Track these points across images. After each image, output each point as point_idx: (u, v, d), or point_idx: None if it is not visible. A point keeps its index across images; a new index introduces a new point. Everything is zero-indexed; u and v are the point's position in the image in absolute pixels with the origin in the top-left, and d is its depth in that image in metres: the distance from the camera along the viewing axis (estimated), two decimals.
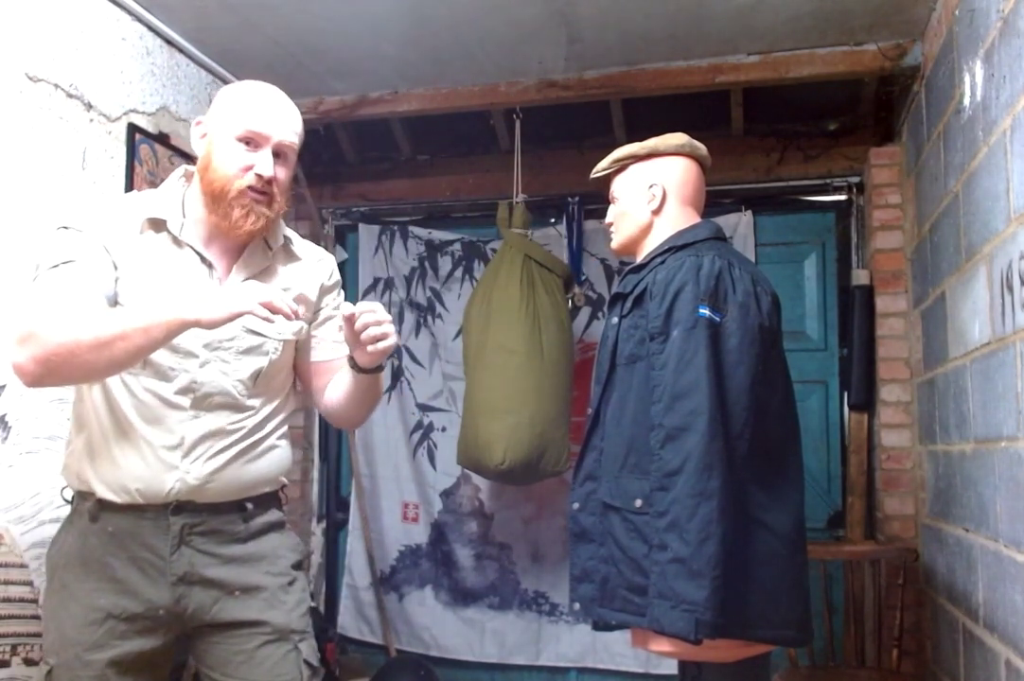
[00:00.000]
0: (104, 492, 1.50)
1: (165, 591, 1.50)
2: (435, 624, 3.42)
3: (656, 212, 1.89)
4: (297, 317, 1.39)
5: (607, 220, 2.00)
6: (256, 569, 1.57)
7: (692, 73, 2.85)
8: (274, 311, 1.36)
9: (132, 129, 2.46)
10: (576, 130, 3.34)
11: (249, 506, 1.58)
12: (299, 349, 1.68)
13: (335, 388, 1.66)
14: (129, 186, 2.43)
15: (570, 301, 3.14)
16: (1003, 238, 1.77)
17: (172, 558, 1.50)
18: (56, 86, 2.20)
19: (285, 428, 1.68)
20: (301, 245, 1.70)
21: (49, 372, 1.39)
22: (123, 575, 1.50)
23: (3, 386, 1.99)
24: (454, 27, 2.62)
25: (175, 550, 1.51)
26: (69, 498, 1.60)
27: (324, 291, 1.70)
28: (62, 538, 1.58)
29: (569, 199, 3.33)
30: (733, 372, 1.66)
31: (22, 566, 2.02)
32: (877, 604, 2.66)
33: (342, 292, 1.77)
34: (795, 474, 1.76)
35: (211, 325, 1.38)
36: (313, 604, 1.68)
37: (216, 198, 1.51)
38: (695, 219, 1.91)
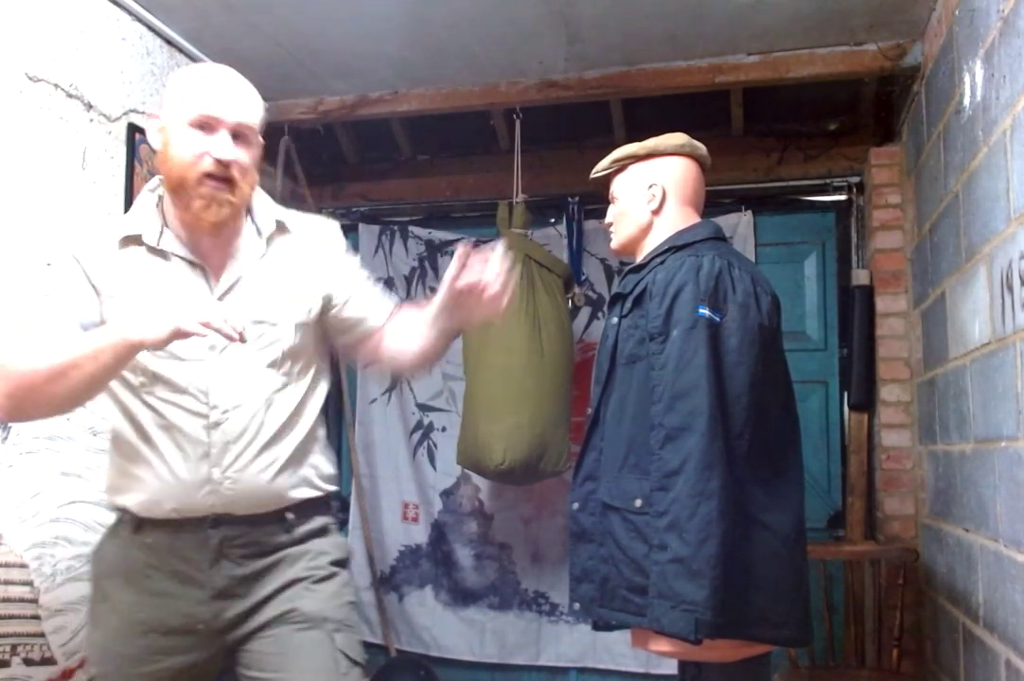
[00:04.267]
0: (141, 511, 1.47)
1: (204, 605, 1.47)
2: (435, 624, 3.41)
3: (656, 212, 1.89)
4: (242, 340, 1.31)
5: (607, 220, 2.00)
6: (295, 566, 1.52)
7: (692, 73, 2.85)
8: (214, 330, 1.29)
9: (132, 129, 2.46)
10: (576, 130, 3.34)
11: (290, 516, 1.52)
12: (329, 331, 1.61)
13: (403, 342, 1.57)
14: (129, 186, 2.43)
15: (570, 301, 3.15)
16: (1003, 238, 1.77)
17: (211, 571, 1.47)
18: (56, 86, 2.20)
19: (321, 432, 1.61)
20: (298, 223, 1.60)
21: (17, 406, 1.36)
22: (163, 588, 1.47)
23: None
24: (454, 27, 2.62)
25: (214, 564, 1.47)
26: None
27: (336, 272, 1.60)
28: (106, 547, 1.54)
29: (569, 199, 3.32)
30: (733, 372, 1.66)
31: (22, 566, 2.02)
32: (877, 604, 2.66)
33: (354, 259, 1.67)
34: (795, 474, 1.76)
35: (155, 345, 1.31)
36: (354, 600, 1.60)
37: (176, 189, 1.45)
38: (695, 219, 1.91)
